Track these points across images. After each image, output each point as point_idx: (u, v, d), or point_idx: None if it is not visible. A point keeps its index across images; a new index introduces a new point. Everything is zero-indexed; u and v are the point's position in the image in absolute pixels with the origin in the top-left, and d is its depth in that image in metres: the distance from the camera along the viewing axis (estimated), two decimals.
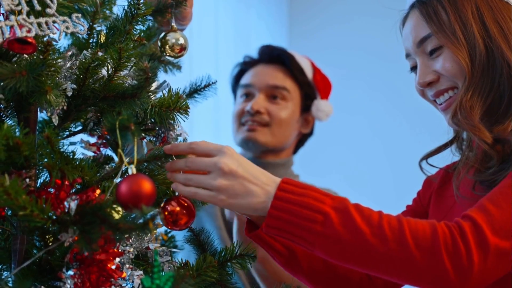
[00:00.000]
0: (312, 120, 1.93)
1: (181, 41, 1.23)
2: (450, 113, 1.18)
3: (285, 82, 1.84)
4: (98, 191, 0.96)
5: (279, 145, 1.84)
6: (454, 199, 1.20)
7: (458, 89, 1.16)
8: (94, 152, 1.19)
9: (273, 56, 1.87)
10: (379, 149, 3.77)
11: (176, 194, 1.06)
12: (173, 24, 1.21)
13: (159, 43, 1.22)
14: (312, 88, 1.89)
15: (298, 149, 1.96)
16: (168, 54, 1.23)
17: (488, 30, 1.14)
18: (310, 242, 1.00)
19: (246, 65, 1.91)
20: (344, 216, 0.99)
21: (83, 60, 1.03)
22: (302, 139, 1.95)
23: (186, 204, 1.05)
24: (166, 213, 1.04)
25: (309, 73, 1.88)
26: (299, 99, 1.87)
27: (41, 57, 0.95)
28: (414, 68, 1.26)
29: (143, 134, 1.16)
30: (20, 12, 0.94)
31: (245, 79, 1.88)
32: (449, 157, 1.29)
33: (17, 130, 0.99)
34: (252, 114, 1.80)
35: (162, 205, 1.06)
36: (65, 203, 0.93)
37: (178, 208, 1.05)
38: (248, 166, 1.03)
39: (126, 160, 0.95)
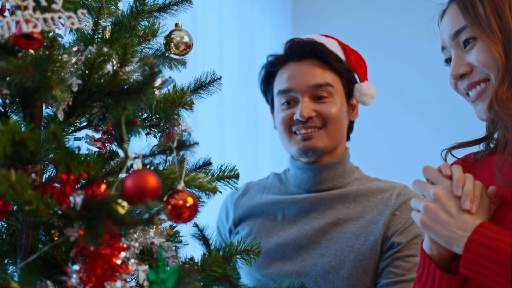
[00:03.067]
0: (356, 103, 1.81)
1: (186, 39, 1.23)
2: (483, 104, 1.17)
3: (326, 77, 1.71)
4: (103, 186, 0.97)
5: (337, 144, 1.74)
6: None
7: (490, 81, 1.16)
8: (99, 147, 1.19)
9: (305, 52, 1.73)
10: (382, 144, 3.77)
11: (179, 187, 1.06)
12: (179, 22, 1.22)
13: (164, 41, 1.22)
14: (351, 72, 1.77)
15: (349, 137, 1.85)
16: (173, 52, 1.23)
17: None
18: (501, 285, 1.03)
19: (275, 66, 1.77)
20: None
21: (89, 56, 1.03)
22: (350, 126, 1.84)
23: (189, 198, 1.06)
24: (170, 206, 1.05)
25: (342, 57, 1.76)
26: (342, 89, 1.75)
27: (47, 52, 0.95)
28: (448, 60, 1.25)
29: (148, 130, 1.16)
30: (26, 8, 0.94)
31: (281, 84, 1.74)
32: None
33: (22, 125, 1.00)
34: (303, 122, 1.69)
35: (165, 198, 1.06)
36: (71, 198, 0.93)
37: (181, 202, 1.05)
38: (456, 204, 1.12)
39: (131, 155, 0.96)
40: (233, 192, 1.87)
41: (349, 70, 1.76)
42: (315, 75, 1.71)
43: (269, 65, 1.78)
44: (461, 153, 1.30)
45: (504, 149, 1.18)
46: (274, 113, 1.80)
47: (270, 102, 1.83)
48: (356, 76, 1.79)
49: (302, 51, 1.73)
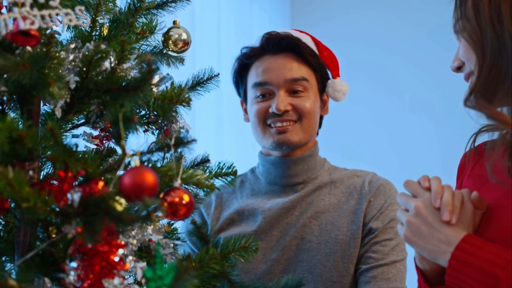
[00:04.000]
0: (327, 99, 1.83)
1: (184, 36, 1.23)
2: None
3: (302, 71, 1.72)
4: (101, 183, 0.97)
5: (310, 138, 1.76)
6: (486, 178, 1.17)
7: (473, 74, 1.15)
8: (97, 144, 1.19)
9: (282, 45, 1.73)
10: (381, 138, 3.78)
11: (175, 184, 1.06)
12: (177, 19, 1.22)
13: (162, 38, 1.22)
14: (324, 68, 1.78)
15: (318, 132, 1.86)
16: (171, 49, 1.23)
17: (501, 14, 1.11)
18: None
19: (250, 58, 1.76)
20: None
21: (86, 53, 1.03)
22: (320, 122, 1.85)
23: (185, 196, 1.06)
24: (166, 204, 1.05)
25: (317, 52, 1.77)
26: (316, 84, 1.76)
27: (44, 49, 0.95)
28: None
29: (146, 127, 1.16)
30: (23, 5, 0.94)
31: (257, 77, 1.73)
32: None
33: (20, 122, 0.99)
34: (279, 115, 1.69)
35: (161, 196, 1.06)
36: (68, 195, 0.93)
37: (177, 199, 1.05)
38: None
39: (128, 152, 0.96)
40: (208, 204, 1.83)
41: (323, 65, 1.78)
42: (291, 69, 1.72)
43: (244, 57, 1.77)
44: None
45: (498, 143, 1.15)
46: (248, 106, 1.79)
47: (243, 94, 1.82)
48: (329, 72, 1.80)
49: (279, 44, 1.73)
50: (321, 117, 1.85)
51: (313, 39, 1.82)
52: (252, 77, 1.76)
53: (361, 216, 1.66)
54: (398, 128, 3.75)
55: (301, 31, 1.82)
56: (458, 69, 1.21)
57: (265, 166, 1.78)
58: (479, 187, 1.19)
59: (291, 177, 1.75)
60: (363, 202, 1.68)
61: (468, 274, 1.03)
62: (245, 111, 1.83)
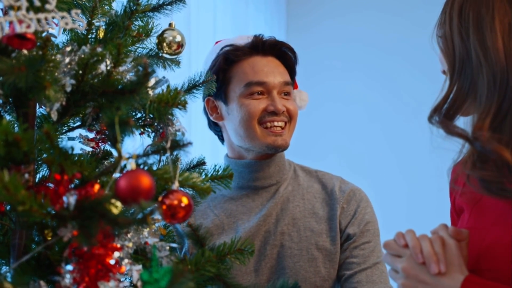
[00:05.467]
0: None
1: (179, 38, 1.23)
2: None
3: (288, 76, 1.76)
4: (97, 186, 0.97)
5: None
6: (478, 196, 1.16)
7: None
8: (93, 147, 1.19)
9: (276, 49, 1.75)
10: (377, 137, 3.79)
11: (173, 187, 1.06)
12: (172, 21, 1.22)
13: (156, 41, 1.22)
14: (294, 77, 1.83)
15: None
16: (165, 52, 1.23)
17: (468, 23, 1.11)
18: None
19: (238, 56, 1.74)
20: None
21: (82, 56, 1.03)
22: None
23: (184, 198, 1.06)
24: (164, 206, 1.05)
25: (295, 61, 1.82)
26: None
27: (40, 52, 0.95)
28: None
29: (142, 130, 1.16)
30: (19, 8, 0.94)
31: (254, 75, 1.72)
32: None
33: (16, 125, 0.99)
34: (277, 114, 1.69)
35: (160, 199, 1.06)
36: (64, 198, 0.93)
37: (176, 202, 1.05)
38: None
39: (124, 155, 0.96)
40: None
41: (295, 74, 1.83)
42: (283, 73, 1.75)
43: (232, 54, 1.75)
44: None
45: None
46: (233, 104, 1.73)
47: (223, 92, 1.75)
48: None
49: (273, 47, 1.76)
50: None
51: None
52: (244, 75, 1.73)
53: (337, 223, 1.69)
54: (395, 128, 3.76)
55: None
56: (445, 72, 1.21)
57: (236, 170, 1.75)
58: (472, 207, 1.18)
59: (265, 179, 1.74)
60: (337, 208, 1.70)
61: None
62: (214, 110, 1.77)
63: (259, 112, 1.70)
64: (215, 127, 1.84)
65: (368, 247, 1.67)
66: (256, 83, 1.71)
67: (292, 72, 1.79)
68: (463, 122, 1.15)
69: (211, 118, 1.79)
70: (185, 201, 1.05)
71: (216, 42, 1.87)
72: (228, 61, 1.75)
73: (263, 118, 1.70)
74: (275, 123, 1.70)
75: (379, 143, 3.78)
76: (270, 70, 1.73)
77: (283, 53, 1.77)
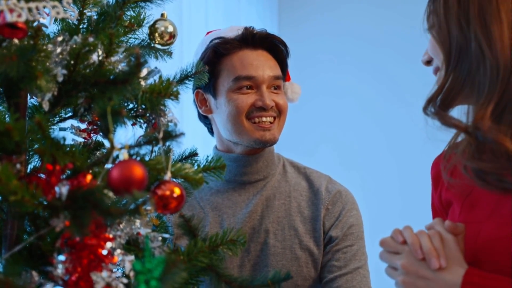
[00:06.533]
0: None
1: (170, 29, 1.23)
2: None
3: (278, 70, 1.74)
4: (89, 177, 0.97)
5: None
6: (469, 188, 1.16)
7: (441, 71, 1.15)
8: (85, 138, 1.19)
9: (267, 42, 1.73)
10: (369, 130, 3.80)
11: (166, 178, 1.06)
12: (164, 12, 1.22)
13: (148, 31, 1.22)
14: (286, 70, 1.81)
15: None
16: (157, 42, 1.23)
17: (469, 13, 1.10)
18: None
19: (227, 50, 1.72)
20: None
21: (74, 46, 1.02)
22: None
23: (176, 189, 1.06)
24: (157, 197, 1.05)
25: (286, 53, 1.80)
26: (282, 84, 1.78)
27: (31, 42, 0.95)
28: None
29: (134, 120, 1.16)
30: None
31: (242, 70, 1.69)
32: None
33: (7, 115, 0.99)
34: (266, 110, 1.68)
35: (152, 189, 1.06)
36: (56, 188, 0.93)
37: (168, 192, 1.05)
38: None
39: (117, 145, 0.96)
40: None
41: (287, 67, 1.80)
42: (273, 67, 1.73)
43: (221, 47, 1.72)
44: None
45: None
46: (222, 98, 1.71)
47: (212, 85, 1.73)
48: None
49: (264, 40, 1.73)
50: None
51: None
52: (233, 69, 1.71)
53: (321, 224, 1.68)
54: (387, 121, 3.77)
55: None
56: (428, 63, 1.20)
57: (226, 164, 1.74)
58: (462, 200, 1.17)
59: (253, 174, 1.73)
60: (321, 209, 1.69)
61: None
62: (203, 102, 1.76)
63: (247, 107, 1.68)
64: (205, 120, 1.82)
65: (350, 250, 1.66)
66: (245, 78, 1.69)
67: (283, 66, 1.77)
68: (457, 114, 1.15)
69: (200, 111, 1.78)
70: (177, 191, 1.05)
71: (208, 33, 1.86)
72: (217, 54, 1.72)
73: (251, 113, 1.68)
74: (263, 119, 1.69)
75: (371, 137, 3.79)
76: (260, 64, 1.71)
77: (273, 46, 1.75)
